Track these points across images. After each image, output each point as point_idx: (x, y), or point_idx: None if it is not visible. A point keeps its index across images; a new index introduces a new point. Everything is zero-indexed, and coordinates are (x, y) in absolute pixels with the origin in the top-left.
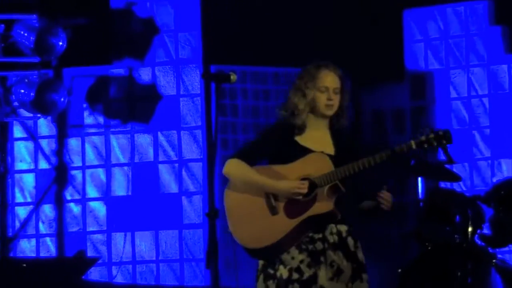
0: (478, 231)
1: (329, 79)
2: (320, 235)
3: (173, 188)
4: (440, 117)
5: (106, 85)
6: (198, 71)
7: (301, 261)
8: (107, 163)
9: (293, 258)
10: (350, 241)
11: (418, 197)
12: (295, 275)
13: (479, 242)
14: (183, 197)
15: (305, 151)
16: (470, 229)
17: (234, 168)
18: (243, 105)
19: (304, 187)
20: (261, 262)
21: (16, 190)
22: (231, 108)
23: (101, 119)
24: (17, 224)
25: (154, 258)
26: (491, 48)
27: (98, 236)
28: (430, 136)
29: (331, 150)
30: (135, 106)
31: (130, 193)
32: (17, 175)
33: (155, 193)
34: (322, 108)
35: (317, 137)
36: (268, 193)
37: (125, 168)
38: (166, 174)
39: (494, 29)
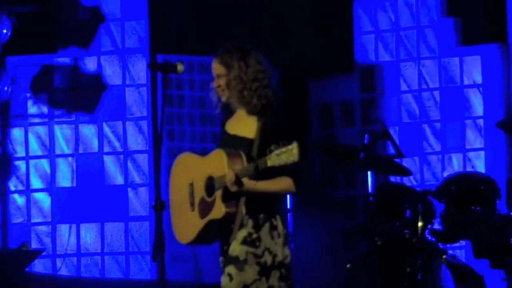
0: (429, 226)
1: (214, 67)
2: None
3: (119, 179)
4: (389, 110)
5: (50, 74)
6: (145, 61)
7: (222, 261)
8: (51, 154)
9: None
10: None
11: (368, 191)
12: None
13: (429, 237)
14: (129, 189)
15: (228, 137)
16: (420, 224)
17: None
18: (189, 95)
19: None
20: None
21: None
22: (178, 98)
23: (45, 109)
24: None
25: (99, 251)
26: (442, 41)
27: (43, 228)
28: (282, 150)
29: (251, 134)
30: (80, 96)
31: (75, 185)
32: None
33: (100, 184)
34: (219, 94)
35: (239, 122)
36: (192, 186)
37: (70, 159)
38: (111, 166)
39: (446, 21)
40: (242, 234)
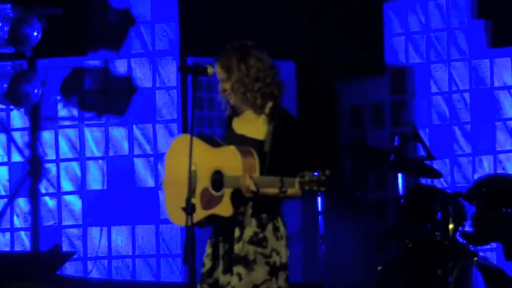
0: (460, 228)
1: (217, 71)
2: (218, 227)
3: (149, 182)
4: (420, 112)
5: (81, 76)
6: (175, 64)
7: (207, 255)
8: (81, 156)
9: (206, 251)
10: (236, 231)
11: (398, 193)
12: (202, 269)
13: (460, 239)
14: (159, 192)
15: (235, 136)
16: (451, 226)
17: None
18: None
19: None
20: None
21: None
22: (208, 101)
23: (75, 112)
24: None
25: (130, 253)
26: (473, 43)
27: (74, 231)
28: (313, 179)
29: (260, 135)
30: (110, 99)
31: (105, 187)
32: None
33: (131, 187)
34: (227, 97)
35: (248, 122)
36: (192, 173)
37: (100, 161)
38: (141, 168)
39: (476, 23)
40: (248, 233)
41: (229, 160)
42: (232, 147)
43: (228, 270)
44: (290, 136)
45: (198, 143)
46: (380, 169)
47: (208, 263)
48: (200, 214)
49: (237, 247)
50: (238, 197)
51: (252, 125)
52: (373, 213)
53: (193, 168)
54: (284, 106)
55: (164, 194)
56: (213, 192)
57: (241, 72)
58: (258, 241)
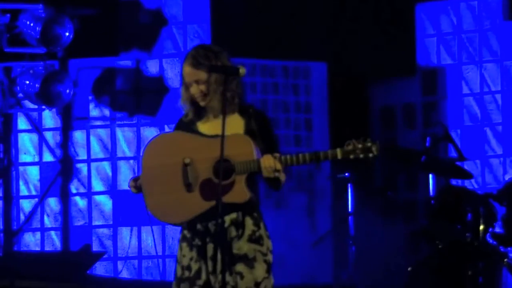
0: (490, 229)
1: (186, 72)
2: (202, 228)
3: None
4: (451, 113)
5: (112, 77)
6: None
7: (191, 258)
8: (112, 157)
9: (184, 255)
10: (231, 231)
11: (429, 195)
12: (186, 273)
13: (490, 240)
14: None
15: (206, 138)
16: (481, 227)
17: None
18: (251, 98)
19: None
20: None
21: (21, 183)
22: None
23: (107, 112)
24: (22, 217)
25: (160, 253)
26: (504, 44)
27: (104, 231)
28: (358, 146)
29: (240, 130)
30: (141, 99)
31: None
32: (21, 168)
33: None
34: (198, 100)
35: (219, 123)
36: (186, 168)
37: (131, 161)
38: None
39: (508, 24)
40: (247, 232)
41: (238, 146)
42: (240, 133)
43: (226, 270)
44: (267, 123)
45: (185, 137)
46: (411, 170)
47: (194, 266)
48: (202, 206)
49: (236, 246)
50: (249, 182)
51: (229, 123)
52: (403, 214)
53: (186, 161)
54: (316, 106)
55: (148, 195)
56: (218, 181)
57: (211, 71)
58: (256, 239)
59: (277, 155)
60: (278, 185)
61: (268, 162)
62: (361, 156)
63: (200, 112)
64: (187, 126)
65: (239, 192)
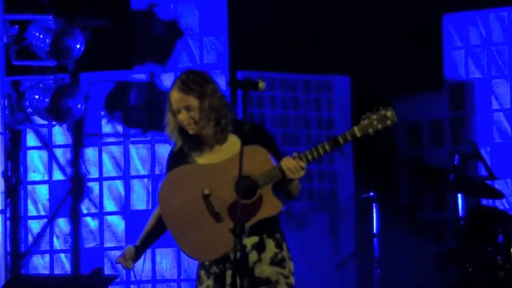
0: None
1: (174, 99)
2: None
3: None
4: (481, 129)
5: (125, 91)
6: (224, 78)
7: (207, 287)
8: (125, 175)
9: (201, 283)
10: (252, 255)
11: (458, 215)
12: None
13: None
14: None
15: (209, 167)
16: None
17: None
18: (271, 114)
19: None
20: None
21: (29, 203)
22: (259, 117)
23: (120, 128)
24: (30, 239)
25: (175, 277)
26: None
27: (116, 253)
28: (373, 117)
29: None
30: (156, 114)
31: (150, 207)
32: (29, 187)
33: None
34: (186, 128)
35: (220, 150)
36: (208, 198)
37: (145, 180)
38: None
39: None
40: (268, 254)
41: (252, 158)
42: (249, 146)
43: None
44: (264, 135)
45: (193, 168)
46: (439, 189)
47: None
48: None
49: (259, 270)
50: (277, 192)
51: (226, 148)
52: (431, 235)
53: (206, 192)
54: (338, 122)
55: (180, 239)
56: (246, 201)
57: (214, 98)
58: (278, 261)
59: (296, 154)
60: (298, 191)
61: (290, 163)
62: (380, 126)
63: (192, 142)
64: (182, 159)
65: (271, 205)
